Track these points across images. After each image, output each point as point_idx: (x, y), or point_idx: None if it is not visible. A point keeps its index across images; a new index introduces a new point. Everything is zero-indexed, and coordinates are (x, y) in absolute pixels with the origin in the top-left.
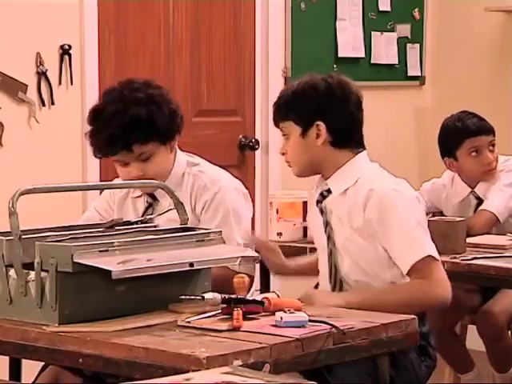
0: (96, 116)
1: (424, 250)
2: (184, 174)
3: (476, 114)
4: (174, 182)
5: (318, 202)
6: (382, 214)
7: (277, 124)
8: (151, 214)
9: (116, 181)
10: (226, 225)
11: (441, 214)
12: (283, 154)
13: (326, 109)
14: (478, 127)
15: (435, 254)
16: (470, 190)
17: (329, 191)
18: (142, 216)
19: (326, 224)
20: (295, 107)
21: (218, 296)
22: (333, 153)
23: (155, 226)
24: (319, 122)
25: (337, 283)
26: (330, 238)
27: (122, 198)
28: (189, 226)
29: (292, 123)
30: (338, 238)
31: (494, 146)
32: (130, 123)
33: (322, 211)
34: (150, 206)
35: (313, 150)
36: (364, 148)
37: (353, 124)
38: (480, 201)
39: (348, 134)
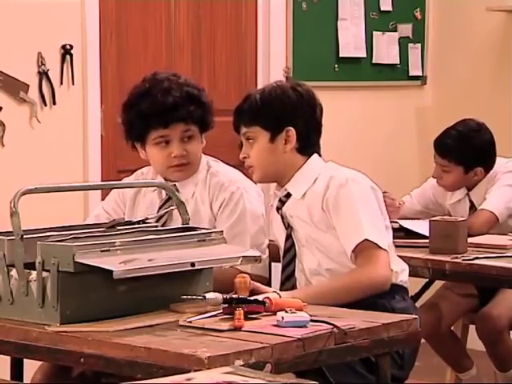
0: (152, 83)
1: (362, 235)
2: (203, 170)
3: (454, 127)
4: (201, 176)
5: (278, 208)
6: (337, 200)
7: (239, 129)
8: (169, 208)
9: (125, 180)
10: (241, 224)
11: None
12: (244, 158)
13: (297, 115)
14: (435, 149)
15: (377, 240)
16: (466, 191)
17: (287, 196)
18: (159, 209)
19: (288, 226)
20: (264, 113)
21: (219, 296)
22: (294, 158)
23: (156, 226)
24: (290, 128)
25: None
26: (293, 240)
27: (134, 195)
28: (190, 225)
29: (259, 128)
30: (302, 237)
31: (446, 169)
32: (186, 96)
33: (282, 217)
34: (169, 198)
35: (279, 155)
36: (318, 152)
37: (317, 131)
38: (472, 204)
39: (312, 140)
